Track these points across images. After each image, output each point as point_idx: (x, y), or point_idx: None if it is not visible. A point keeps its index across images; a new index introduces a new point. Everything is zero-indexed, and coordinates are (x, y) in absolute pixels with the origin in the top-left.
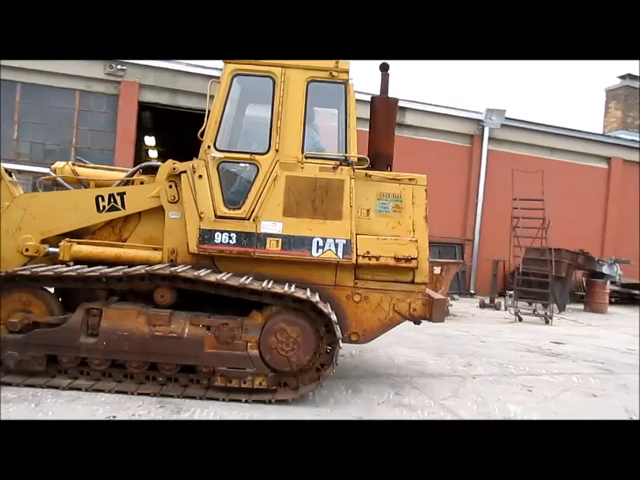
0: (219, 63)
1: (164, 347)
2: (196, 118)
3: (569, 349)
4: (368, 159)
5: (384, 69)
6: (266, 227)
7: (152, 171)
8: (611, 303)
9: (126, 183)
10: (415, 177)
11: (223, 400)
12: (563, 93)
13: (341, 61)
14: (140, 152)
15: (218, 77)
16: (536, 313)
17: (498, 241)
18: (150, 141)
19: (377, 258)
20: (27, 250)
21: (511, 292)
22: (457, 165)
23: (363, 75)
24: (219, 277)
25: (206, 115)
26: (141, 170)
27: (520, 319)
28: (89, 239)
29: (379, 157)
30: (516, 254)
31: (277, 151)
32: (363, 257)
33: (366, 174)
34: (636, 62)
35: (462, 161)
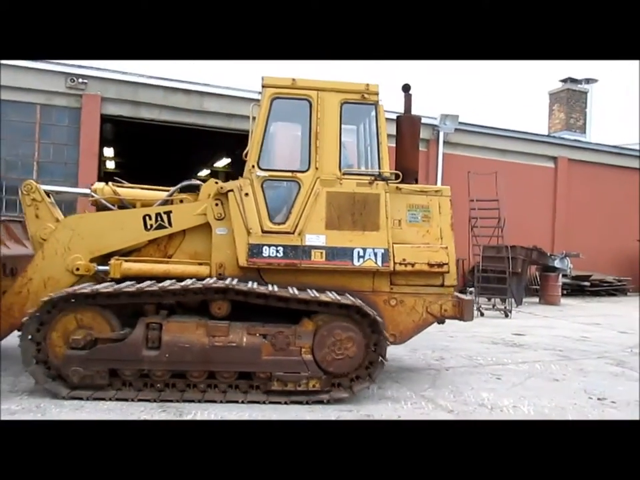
0: (178, 75)
1: (224, 356)
2: (157, 129)
3: (529, 340)
4: (400, 174)
5: (406, 89)
6: (310, 239)
7: (190, 189)
8: (563, 295)
9: (166, 201)
10: (441, 188)
11: (285, 403)
12: (510, 96)
13: (370, 84)
14: (99, 163)
15: (258, 100)
16: (495, 307)
17: (457, 240)
18: (108, 152)
19: (412, 265)
20: (77, 269)
21: (472, 289)
22: None
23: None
24: (291, 291)
25: (249, 137)
26: (179, 189)
27: (482, 314)
28: (135, 257)
29: (406, 171)
30: (475, 252)
31: (316, 168)
32: (400, 264)
33: (397, 187)
34: (576, 65)
35: (420, 164)
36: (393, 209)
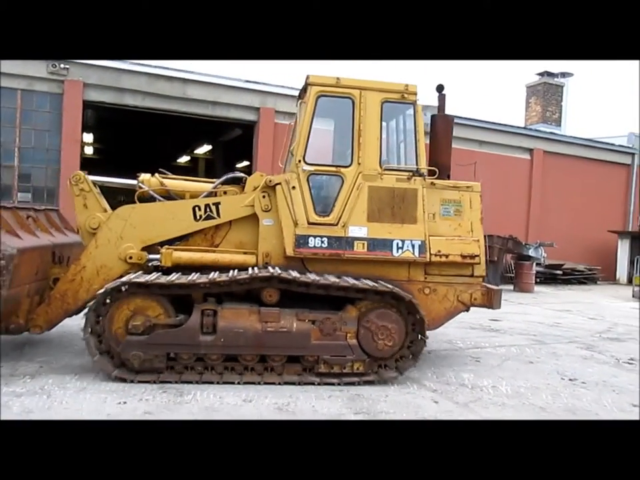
0: (162, 62)
1: (276, 341)
2: (139, 115)
3: (505, 325)
4: (437, 170)
5: (440, 90)
6: (353, 231)
7: (233, 181)
8: (536, 282)
9: (210, 193)
10: (472, 184)
11: (338, 384)
12: (488, 89)
13: (409, 84)
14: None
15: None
16: None
17: None
18: (87, 137)
19: (447, 256)
20: (130, 258)
21: None
22: None
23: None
24: (351, 281)
25: (299, 133)
26: (223, 181)
27: None
28: (183, 246)
29: (439, 167)
30: None
31: (359, 164)
32: (435, 255)
33: (431, 182)
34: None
35: None
36: (428, 203)
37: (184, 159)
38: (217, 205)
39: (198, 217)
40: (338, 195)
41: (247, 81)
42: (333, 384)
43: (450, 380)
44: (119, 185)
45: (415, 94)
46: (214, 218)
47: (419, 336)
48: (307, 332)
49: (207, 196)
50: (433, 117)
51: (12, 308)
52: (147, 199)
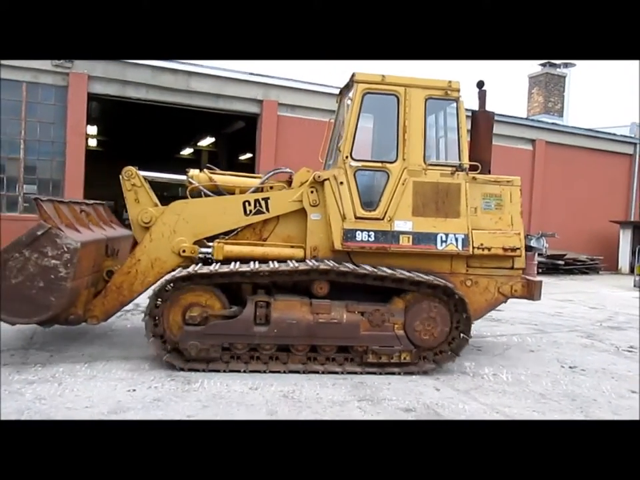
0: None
1: (327, 331)
2: (143, 108)
3: (507, 315)
4: (479, 165)
5: (480, 86)
6: (399, 225)
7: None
8: (538, 273)
9: (257, 188)
10: (512, 179)
11: (380, 374)
12: (491, 79)
13: (452, 81)
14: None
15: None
16: None
17: None
18: (91, 130)
19: (489, 249)
20: (183, 251)
21: None
22: None
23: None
24: (406, 274)
25: (345, 130)
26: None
27: None
28: (232, 240)
29: (480, 162)
30: None
31: (404, 159)
32: (478, 248)
33: (473, 177)
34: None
35: None
36: (470, 198)
37: (187, 152)
38: (266, 200)
39: (248, 212)
40: (384, 190)
41: (251, 74)
42: (374, 373)
43: (451, 368)
44: (168, 180)
45: (458, 90)
46: (263, 213)
47: (461, 335)
48: (356, 323)
49: (254, 191)
50: (473, 112)
51: (73, 299)
52: (195, 194)
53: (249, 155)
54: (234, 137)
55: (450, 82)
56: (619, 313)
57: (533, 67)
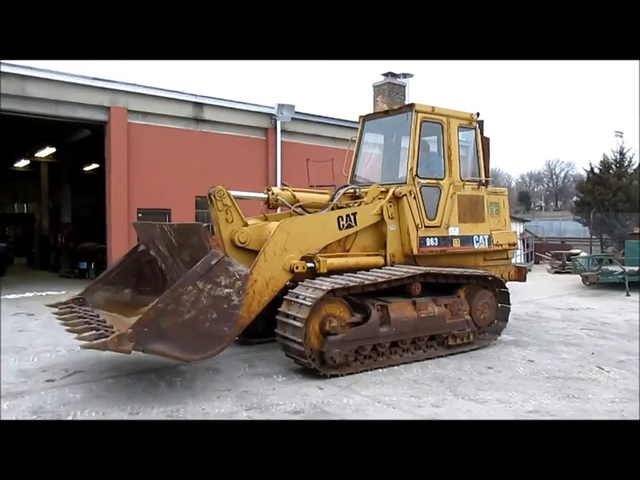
0: (68, 68)
1: (426, 324)
2: (43, 123)
3: None
4: (493, 181)
5: (477, 116)
6: (451, 231)
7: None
8: None
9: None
10: (502, 189)
11: (453, 354)
12: (339, 88)
13: (473, 113)
14: None
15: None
16: None
17: None
18: None
19: (501, 245)
20: (296, 268)
21: None
22: (254, 156)
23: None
24: (479, 271)
25: (410, 152)
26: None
27: None
28: (325, 253)
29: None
30: None
31: (450, 176)
32: (496, 245)
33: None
34: (396, 62)
35: (259, 152)
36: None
37: (22, 164)
38: (354, 214)
39: (341, 226)
40: (439, 202)
41: (94, 78)
42: (446, 355)
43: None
44: (252, 198)
45: (477, 120)
46: (352, 226)
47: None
48: (443, 314)
49: (333, 208)
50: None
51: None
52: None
53: (95, 166)
54: (78, 147)
55: (472, 114)
56: None
57: (377, 76)
